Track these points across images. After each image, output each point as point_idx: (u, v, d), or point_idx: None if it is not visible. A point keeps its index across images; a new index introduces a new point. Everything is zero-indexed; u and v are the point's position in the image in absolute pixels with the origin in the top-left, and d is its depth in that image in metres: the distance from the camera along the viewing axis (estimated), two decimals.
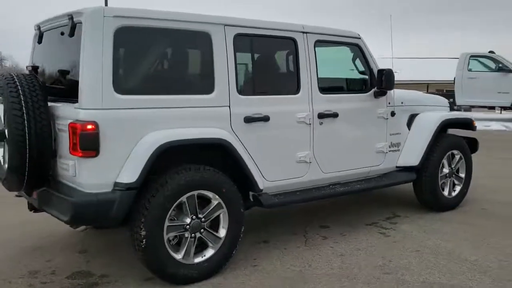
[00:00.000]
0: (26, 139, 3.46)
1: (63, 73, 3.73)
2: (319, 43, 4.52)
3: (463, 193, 5.81)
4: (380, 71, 4.86)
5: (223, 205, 3.80)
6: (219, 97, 3.87)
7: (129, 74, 3.55)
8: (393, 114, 5.16)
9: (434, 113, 5.58)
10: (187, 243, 3.69)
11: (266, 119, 4.08)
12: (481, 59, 16.12)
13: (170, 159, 3.63)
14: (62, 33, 3.74)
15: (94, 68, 3.35)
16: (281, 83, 4.47)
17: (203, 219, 3.74)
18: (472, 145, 5.92)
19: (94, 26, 3.37)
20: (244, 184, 4.02)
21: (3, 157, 3.83)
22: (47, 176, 3.69)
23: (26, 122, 3.46)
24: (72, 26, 3.52)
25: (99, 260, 4.24)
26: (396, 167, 5.29)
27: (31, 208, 4.14)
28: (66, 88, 3.67)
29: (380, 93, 4.95)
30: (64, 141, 3.54)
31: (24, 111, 3.47)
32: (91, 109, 3.34)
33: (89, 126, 3.27)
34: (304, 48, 4.38)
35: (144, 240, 3.46)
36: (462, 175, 5.78)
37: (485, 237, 4.78)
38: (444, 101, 6.11)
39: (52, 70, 3.95)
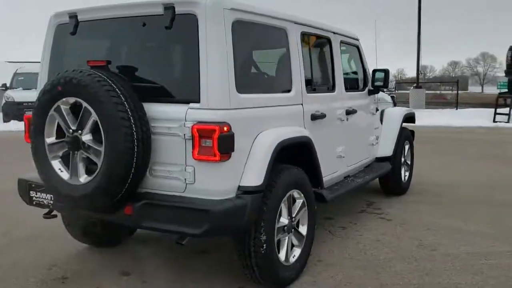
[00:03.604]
0: (134, 146, 2.99)
1: (154, 70, 3.28)
2: (341, 43, 4.77)
3: (410, 178, 6.68)
4: (375, 71, 5.34)
5: (305, 203, 3.80)
6: (296, 95, 3.85)
7: (243, 71, 3.32)
8: (376, 110, 5.69)
9: (397, 108, 6.31)
10: (286, 245, 3.61)
11: (323, 116, 4.19)
12: None
13: None
14: (144, 24, 3.28)
15: (220, 65, 3.06)
16: (325, 81, 4.58)
17: (293, 218, 3.70)
18: None
19: (216, 19, 3.07)
20: None
21: (73, 169, 3.19)
22: (137, 188, 3.22)
23: (133, 126, 2.98)
24: (172, 18, 3.13)
25: (156, 282, 3.77)
26: (376, 158, 5.84)
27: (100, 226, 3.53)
28: (159, 86, 3.24)
29: (374, 91, 5.42)
30: (170, 146, 3.14)
31: (130, 113, 2.98)
32: (221, 109, 3.06)
33: (225, 128, 2.99)
34: (336, 48, 4.60)
35: (264, 245, 3.30)
36: (409, 162, 6.63)
37: (456, 212, 5.64)
38: (389, 98, 6.89)
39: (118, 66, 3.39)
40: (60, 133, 3.27)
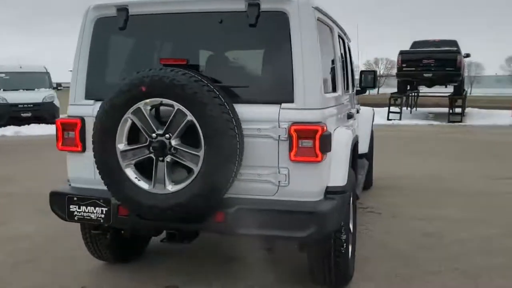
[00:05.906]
0: (237, 149, 2.83)
1: (236, 70, 3.12)
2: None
3: (372, 172, 7.08)
4: (363, 72, 5.59)
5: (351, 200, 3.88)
6: (340, 94, 3.91)
7: (324, 71, 3.28)
8: (358, 109, 5.95)
9: (367, 108, 6.63)
10: (350, 243, 3.64)
11: (352, 115, 4.31)
12: None
13: None
14: (221, 21, 3.10)
15: (314, 64, 3.02)
16: (346, 81, 4.66)
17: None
18: None
19: (308, 17, 3.01)
20: None
21: (158, 177, 2.90)
22: None
23: (236, 128, 2.82)
24: (257, 15, 3.00)
25: None
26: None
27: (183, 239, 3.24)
28: (242, 86, 3.09)
29: (361, 91, 5.66)
30: (260, 148, 3.01)
31: (232, 115, 2.82)
32: (317, 109, 3.01)
33: (325, 128, 2.95)
34: (347, 48, 4.74)
35: (344, 245, 3.31)
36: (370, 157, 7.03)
37: (430, 201, 6.14)
38: None
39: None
40: (132, 138, 2.96)
